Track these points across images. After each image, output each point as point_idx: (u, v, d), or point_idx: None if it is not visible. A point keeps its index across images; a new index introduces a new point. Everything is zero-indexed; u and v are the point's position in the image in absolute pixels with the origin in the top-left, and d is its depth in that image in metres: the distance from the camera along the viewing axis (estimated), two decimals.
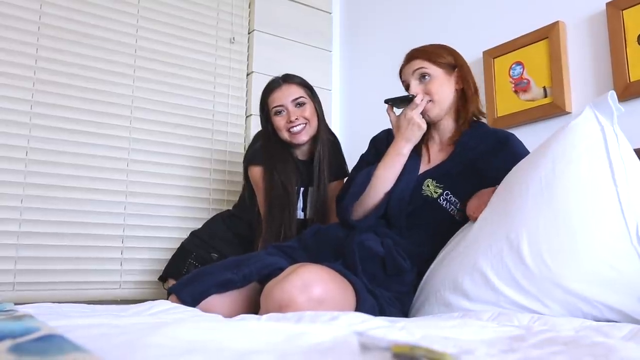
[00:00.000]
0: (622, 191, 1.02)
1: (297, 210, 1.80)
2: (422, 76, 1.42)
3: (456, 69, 1.45)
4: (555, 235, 1.03)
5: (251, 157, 1.81)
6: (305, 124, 1.73)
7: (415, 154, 1.44)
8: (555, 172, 1.08)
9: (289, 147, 1.79)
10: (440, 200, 1.37)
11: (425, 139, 1.46)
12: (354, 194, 1.40)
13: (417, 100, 1.40)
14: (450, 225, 1.35)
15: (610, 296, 0.99)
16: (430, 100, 1.41)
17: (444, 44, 1.50)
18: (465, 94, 1.44)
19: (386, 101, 1.47)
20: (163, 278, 1.91)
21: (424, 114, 1.41)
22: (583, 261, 1.01)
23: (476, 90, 1.47)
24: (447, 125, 1.46)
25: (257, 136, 1.86)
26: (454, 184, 1.37)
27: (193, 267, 1.81)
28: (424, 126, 1.40)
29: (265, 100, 1.79)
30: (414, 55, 1.46)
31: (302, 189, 1.82)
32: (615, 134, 1.08)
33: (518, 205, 1.11)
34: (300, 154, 1.83)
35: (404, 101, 1.43)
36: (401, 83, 1.50)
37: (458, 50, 1.50)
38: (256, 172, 1.78)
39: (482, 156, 1.39)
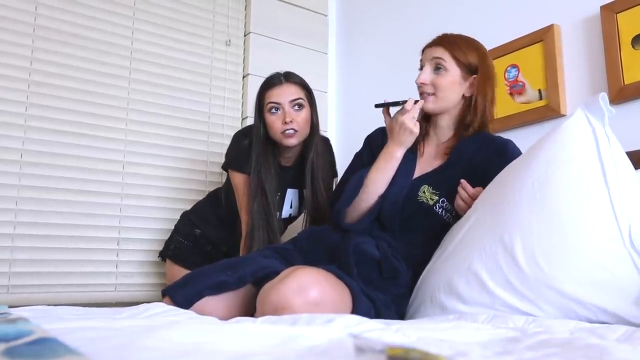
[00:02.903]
0: (614, 193, 1.02)
1: (282, 212, 1.79)
2: (437, 66, 1.39)
3: (475, 76, 1.39)
4: (548, 238, 1.04)
5: (236, 162, 1.76)
6: (297, 130, 1.67)
7: (411, 153, 1.42)
8: (548, 174, 1.08)
9: (275, 149, 1.74)
10: (436, 207, 1.36)
11: (422, 137, 1.45)
12: (347, 198, 1.39)
13: (408, 106, 1.37)
14: (444, 229, 1.34)
15: (603, 298, 1.00)
16: (433, 94, 1.39)
17: (476, 40, 1.44)
18: (476, 104, 1.39)
19: (376, 106, 1.46)
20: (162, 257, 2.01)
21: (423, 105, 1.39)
22: (576, 263, 1.01)
23: (492, 101, 1.42)
24: (448, 127, 1.44)
25: (244, 134, 1.79)
26: (451, 191, 1.35)
27: (179, 243, 1.91)
28: (416, 130, 1.37)
29: (262, 94, 1.73)
30: (442, 40, 1.41)
31: (288, 190, 1.80)
32: (607, 135, 1.08)
33: (511, 207, 1.11)
34: (285, 159, 1.78)
35: (397, 105, 1.41)
36: (419, 61, 1.46)
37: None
38: (239, 178, 1.75)
39: (480, 164, 1.37)
